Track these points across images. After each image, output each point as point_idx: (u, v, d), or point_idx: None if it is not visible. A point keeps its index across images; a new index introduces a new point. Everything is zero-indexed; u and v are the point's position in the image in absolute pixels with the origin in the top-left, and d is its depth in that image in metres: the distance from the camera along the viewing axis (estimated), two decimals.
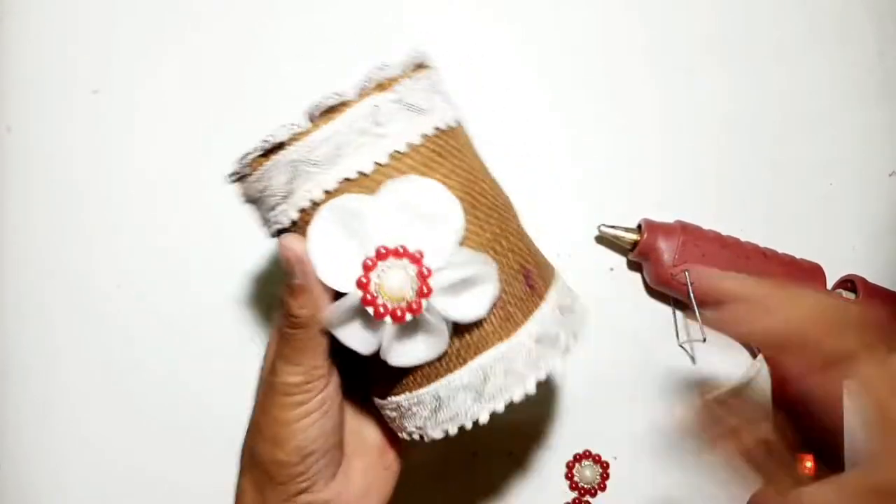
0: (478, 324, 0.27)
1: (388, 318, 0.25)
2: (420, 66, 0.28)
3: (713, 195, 0.47)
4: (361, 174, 0.26)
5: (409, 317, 0.25)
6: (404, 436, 0.30)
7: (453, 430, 0.29)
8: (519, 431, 0.44)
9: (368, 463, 0.32)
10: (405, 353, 0.27)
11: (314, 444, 0.29)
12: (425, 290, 0.25)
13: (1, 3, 0.45)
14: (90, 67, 0.45)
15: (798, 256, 0.43)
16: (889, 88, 0.49)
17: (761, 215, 0.47)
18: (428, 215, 0.26)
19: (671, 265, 0.41)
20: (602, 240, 0.45)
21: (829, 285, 0.43)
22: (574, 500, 0.43)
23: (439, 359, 0.27)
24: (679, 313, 0.44)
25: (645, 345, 0.45)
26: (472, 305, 0.27)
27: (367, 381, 0.31)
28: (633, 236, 0.43)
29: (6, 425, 0.43)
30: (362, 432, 0.33)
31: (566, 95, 0.47)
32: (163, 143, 0.45)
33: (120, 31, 0.45)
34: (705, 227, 0.46)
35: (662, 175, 0.46)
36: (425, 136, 0.27)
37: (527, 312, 0.28)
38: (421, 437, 0.30)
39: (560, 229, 0.45)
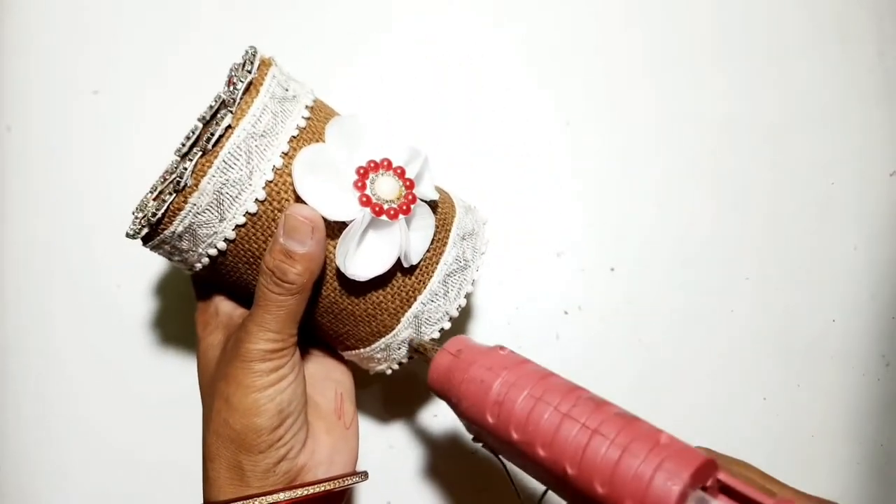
0: (435, 206, 0.33)
1: (401, 216, 0.29)
2: (263, 61, 0.31)
3: (713, 195, 0.47)
4: (300, 129, 0.29)
5: (413, 206, 0.29)
6: (392, 367, 0.34)
7: (447, 325, 0.33)
8: None
9: (328, 425, 0.33)
10: (418, 246, 0.31)
11: (290, 406, 0.30)
12: (408, 184, 0.30)
13: (1, 3, 0.45)
14: (90, 67, 0.45)
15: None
16: (889, 88, 0.49)
17: (761, 215, 0.47)
18: (368, 136, 0.30)
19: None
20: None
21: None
22: None
23: (429, 249, 0.32)
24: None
25: (646, 344, 0.45)
26: (430, 185, 0.32)
27: (339, 342, 0.34)
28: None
29: (6, 425, 0.43)
30: (314, 400, 0.34)
31: (566, 95, 0.47)
32: (163, 144, 0.44)
33: (120, 32, 0.45)
34: (705, 226, 0.45)
35: (662, 175, 0.46)
36: (314, 94, 0.32)
37: (450, 197, 0.35)
38: (416, 349, 0.33)
39: (560, 229, 0.45)
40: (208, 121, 0.29)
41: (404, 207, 0.29)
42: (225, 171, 0.28)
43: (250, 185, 0.28)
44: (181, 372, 0.43)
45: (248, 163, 0.28)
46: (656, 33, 0.48)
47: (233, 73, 0.29)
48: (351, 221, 0.29)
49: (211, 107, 0.29)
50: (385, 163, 0.30)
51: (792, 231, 0.47)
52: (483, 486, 0.44)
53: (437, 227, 0.32)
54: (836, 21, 0.49)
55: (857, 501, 0.45)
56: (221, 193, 0.28)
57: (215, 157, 0.28)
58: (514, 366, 0.28)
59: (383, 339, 0.33)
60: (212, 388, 0.32)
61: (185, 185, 0.28)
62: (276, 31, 0.46)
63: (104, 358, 0.43)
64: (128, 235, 0.30)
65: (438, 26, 0.47)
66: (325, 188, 0.29)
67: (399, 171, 0.30)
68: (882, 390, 0.47)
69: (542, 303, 0.45)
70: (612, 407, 0.26)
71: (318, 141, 0.30)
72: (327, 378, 0.35)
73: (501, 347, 0.30)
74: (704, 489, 0.23)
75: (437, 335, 0.32)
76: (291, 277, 0.28)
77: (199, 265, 0.31)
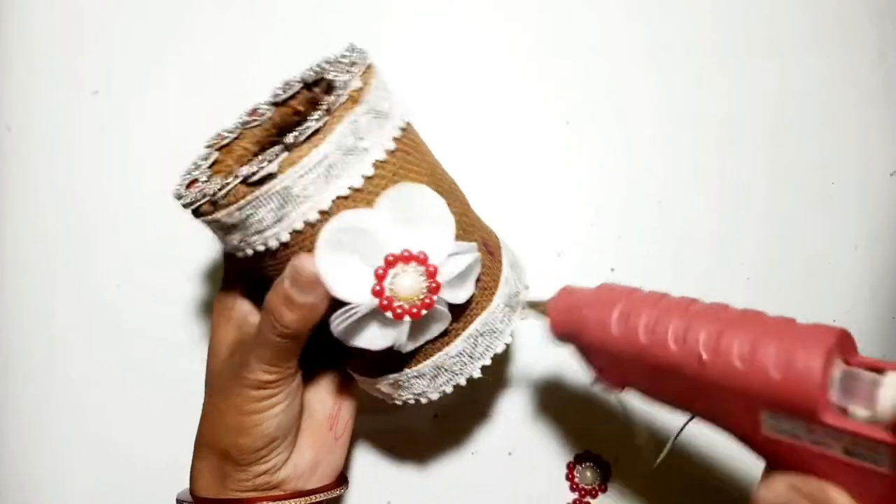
0: (468, 301, 0.30)
1: (406, 318, 0.27)
2: (369, 70, 0.29)
3: (713, 195, 0.47)
4: (353, 189, 0.27)
5: (424, 312, 0.27)
6: (396, 402, 0.33)
7: (449, 390, 0.32)
8: (519, 431, 0.44)
9: (316, 436, 0.34)
10: (417, 340, 0.30)
11: (278, 431, 0.30)
12: (434, 286, 0.27)
13: (1, 3, 0.45)
14: (90, 68, 0.45)
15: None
16: (889, 88, 0.49)
17: (761, 215, 0.47)
18: (422, 217, 0.28)
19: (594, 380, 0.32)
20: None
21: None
22: (575, 500, 0.43)
23: (439, 337, 0.30)
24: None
25: None
26: (467, 288, 0.30)
27: (348, 362, 0.33)
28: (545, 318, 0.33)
29: (6, 425, 0.43)
30: (309, 407, 0.34)
31: (565, 95, 0.47)
32: (163, 144, 0.45)
33: (120, 32, 0.45)
34: (706, 226, 0.46)
35: (662, 174, 0.46)
36: (395, 140, 0.28)
37: (496, 279, 0.32)
38: (417, 401, 0.33)
39: (560, 229, 0.45)
40: (281, 103, 0.31)
41: (415, 311, 0.27)
42: (255, 208, 0.27)
43: (277, 227, 0.27)
44: (181, 372, 0.43)
45: (280, 209, 0.27)
46: (656, 33, 0.48)
47: (330, 68, 0.28)
48: (355, 304, 0.27)
49: (289, 86, 0.29)
50: (421, 255, 0.27)
51: (792, 231, 0.47)
52: (483, 486, 0.44)
53: (459, 322, 0.31)
54: (836, 21, 0.49)
55: None
56: (247, 224, 0.27)
57: (250, 193, 0.26)
58: (630, 290, 0.30)
59: (393, 376, 0.32)
60: (211, 388, 0.32)
61: (217, 201, 0.27)
62: (276, 32, 0.46)
63: (104, 358, 0.43)
64: (179, 200, 0.29)
65: (438, 26, 0.47)
66: (347, 262, 0.27)
67: (431, 270, 0.27)
68: None
69: None
70: (735, 308, 0.27)
71: (370, 204, 0.27)
72: (331, 384, 0.35)
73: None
74: (847, 363, 0.24)
75: (448, 390, 0.32)
76: (287, 322, 0.28)
77: (241, 253, 0.29)
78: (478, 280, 0.31)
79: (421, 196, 0.28)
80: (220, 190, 0.27)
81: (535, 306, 0.33)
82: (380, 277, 0.27)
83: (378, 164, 0.27)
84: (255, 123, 0.33)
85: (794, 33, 0.48)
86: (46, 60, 0.45)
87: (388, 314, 0.27)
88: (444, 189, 0.30)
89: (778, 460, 0.25)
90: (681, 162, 0.47)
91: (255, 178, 0.26)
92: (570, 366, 0.44)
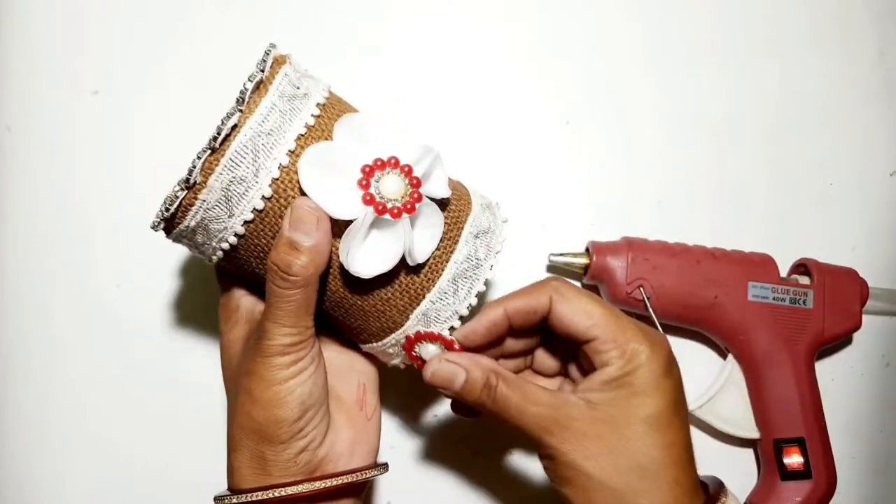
0: (445, 204, 0.33)
1: (404, 215, 0.29)
2: (281, 57, 0.32)
3: (713, 194, 0.47)
4: (308, 127, 0.30)
5: (418, 206, 0.29)
6: (405, 361, 0.34)
7: (474, 301, 0.33)
8: (519, 431, 0.44)
9: (350, 417, 0.34)
10: (424, 245, 0.31)
11: (311, 398, 0.31)
12: (415, 182, 0.30)
13: (1, 3, 0.45)
14: (90, 68, 0.45)
15: (749, 250, 0.44)
16: (889, 88, 0.49)
17: (761, 215, 0.47)
18: (377, 134, 0.31)
19: (625, 283, 0.41)
20: (554, 269, 0.45)
21: (784, 272, 0.44)
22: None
23: (439, 247, 0.32)
24: None
25: None
26: (441, 185, 0.32)
27: (353, 332, 0.34)
28: (583, 261, 0.43)
29: (6, 425, 0.43)
30: (335, 392, 0.34)
31: (565, 94, 0.47)
32: (163, 144, 0.45)
33: (120, 32, 0.45)
34: (708, 226, 0.46)
35: (662, 175, 0.46)
36: (328, 90, 0.32)
37: (465, 191, 0.35)
38: (450, 328, 0.33)
39: (560, 228, 0.45)
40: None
41: (409, 206, 0.29)
42: (232, 168, 0.29)
43: (257, 182, 0.29)
44: (181, 372, 0.43)
45: (255, 161, 0.29)
46: (656, 33, 0.48)
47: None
48: (353, 220, 0.29)
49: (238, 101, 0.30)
50: (392, 161, 0.29)
51: (791, 231, 0.47)
52: (483, 485, 0.44)
53: (447, 225, 0.32)
54: (836, 21, 0.49)
55: (858, 501, 0.45)
56: (229, 190, 0.29)
57: (223, 155, 0.29)
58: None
59: (394, 335, 0.33)
60: (235, 383, 0.32)
61: (195, 182, 0.29)
62: (275, 32, 0.46)
63: (104, 358, 0.43)
64: (151, 227, 0.31)
65: (438, 25, 0.47)
66: (331, 185, 0.29)
67: (406, 169, 0.30)
68: (882, 390, 0.47)
69: None
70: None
71: (327, 139, 0.30)
72: (351, 369, 0.35)
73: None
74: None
75: (446, 333, 0.33)
76: (296, 269, 0.28)
77: (214, 258, 0.32)
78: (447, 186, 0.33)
79: (366, 119, 0.31)
80: (191, 171, 0.29)
81: (573, 260, 0.43)
82: (365, 186, 0.29)
83: (321, 106, 0.31)
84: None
85: (794, 33, 0.48)
86: (46, 60, 0.45)
87: (387, 216, 0.29)
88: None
89: (753, 318, 0.42)
90: (680, 162, 0.47)
91: (221, 136, 0.28)
92: None
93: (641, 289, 0.41)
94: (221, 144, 0.28)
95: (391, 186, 0.29)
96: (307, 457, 0.31)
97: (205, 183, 0.29)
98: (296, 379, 0.30)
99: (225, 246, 0.31)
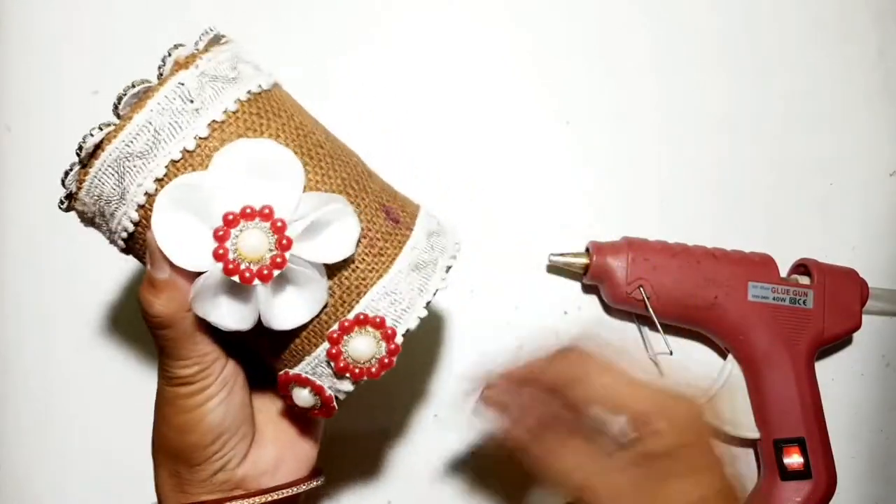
0: (352, 266, 0.28)
1: (256, 281, 0.25)
2: (216, 41, 0.28)
3: (713, 195, 0.47)
4: (186, 152, 0.26)
5: (276, 272, 0.25)
6: (310, 407, 0.30)
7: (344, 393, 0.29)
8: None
9: (279, 431, 0.32)
10: (288, 313, 0.27)
11: (223, 425, 0.29)
12: (284, 242, 0.25)
13: (1, 3, 0.45)
14: (90, 68, 0.45)
15: (749, 250, 0.44)
16: (889, 88, 0.49)
17: (761, 215, 0.47)
18: (266, 171, 0.26)
19: (625, 283, 0.42)
20: (554, 269, 0.45)
21: (784, 272, 0.44)
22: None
23: (324, 311, 0.27)
24: (644, 328, 0.44)
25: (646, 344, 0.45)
26: (337, 245, 0.27)
27: (266, 367, 0.31)
28: (583, 260, 0.43)
29: (6, 425, 0.43)
30: (269, 402, 0.33)
31: (566, 94, 0.47)
32: None
33: (120, 32, 0.45)
34: (708, 226, 0.46)
35: (662, 175, 0.46)
36: (240, 102, 0.27)
37: (397, 245, 0.29)
38: (336, 396, 0.29)
39: (560, 228, 0.45)
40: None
41: (264, 272, 0.25)
42: (98, 186, 0.26)
43: (124, 204, 0.26)
44: None
45: (120, 183, 0.26)
46: (656, 33, 0.48)
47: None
48: (203, 273, 0.25)
49: (113, 111, 0.27)
50: (265, 210, 0.25)
51: (791, 231, 0.47)
52: (483, 485, 0.44)
53: (341, 289, 0.28)
54: (836, 21, 0.49)
55: (858, 501, 0.45)
56: (100, 206, 0.27)
57: (87, 173, 0.26)
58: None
59: (298, 368, 0.29)
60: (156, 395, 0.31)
61: (70, 191, 0.27)
62: (274, 33, 0.46)
63: (103, 358, 0.43)
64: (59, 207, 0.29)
65: (438, 25, 0.47)
66: (185, 228, 0.25)
67: (278, 224, 0.25)
68: (882, 390, 0.47)
69: (542, 303, 0.45)
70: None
71: (207, 167, 0.26)
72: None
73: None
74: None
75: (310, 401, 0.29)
76: (156, 309, 0.26)
77: (119, 248, 0.29)
78: (366, 244, 0.28)
79: (261, 149, 0.26)
80: (65, 177, 0.26)
81: (573, 260, 0.43)
82: (220, 238, 0.25)
83: (215, 126, 0.26)
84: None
85: (795, 33, 0.48)
86: (46, 60, 0.45)
87: (235, 278, 0.24)
88: (316, 153, 0.28)
89: (753, 318, 0.42)
90: (681, 162, 0.47)
91: (84, 153, 0.26)
92: None
93: (641, 289, 0.41)
94: (88, 160, 0.26)
95: (250, 244, 0.25)
96: (224, 476, 0.30)
97: (77, 195, 0.27)
98: (203, 407, 0.28)
99: (120, 245, 0.29)
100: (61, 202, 0.28)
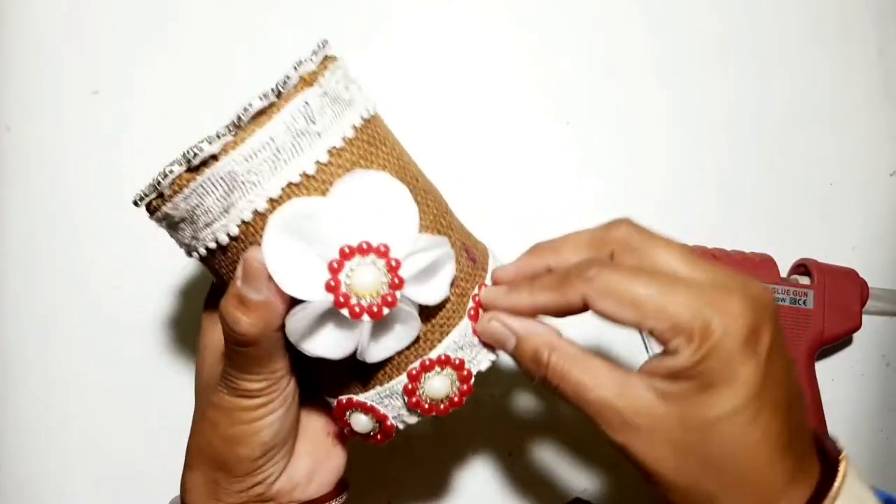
0: (441, 305, 0.28)
1: (365, 317, 0.25)
2: (328, 58, 0.28)
3: (713, 195, 0.47)
4: (305, 176, 0.25)
5: (385, 311, 0.25)
6: (370, 435, 0.31)
7: (413, 421, 0.30)
8: (519, 431, 0.44)
9: (313, 446, 0.32)
10: (382, 347, 0.27)
11: (275, 440, 0.29)
12: (397, 282, 0.25)
13: (1, 3, 0.45)
14: (90, 68, 0.45)
15: (749, 250, 0.44)
16: (889, 88, 0.49)
17: (761, 215, 0.47)
18: (382, 207, 0.26)
19: None
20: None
21: (784, 272, 0.44)
22: (574, 500, 0.43)
23: (408, 348, 0.28)
24: None
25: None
26: (437, 287, 0.27)
27: (321, 382, 0.31)
28: None
29: (6, 425, 0.43)
30: (306, 414, 0.32)
31: (565, 95, 0.47)
32: (162, 144, 0.44)
33: (120, 32, 0.45)
34: (708, 226, 0.46)
35: (663, 174, 0.46)
36: (355, 128, 0.26)
37: (475, 285, 0.29)
38: (397, 426, 0.30)
39: (560, 228, 0.45)
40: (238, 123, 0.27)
41: (374, 309, 0.24)
42: (201, 195, 0.25)
43: (225, 217, 0.25)
44: (180, 373, 0.43)
45: (228, 197, 0.25)
46: (656, 33, 0.48)
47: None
48: (306, 302, 0.25)
49: (233, 123, 0.26)
50: (381, 248, 0.25)
51: (791, 231, 0.47)
52: (483, 486, 0.44)
53: (430, 329, 0.28)
54: (836, 21, 0.49)
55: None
56: (195, 215, 0.26)
57: (194, 179, 0.25)
58: None
59: (363, 395, 0.29)
60: (203, 400, 0.31)
61: (163, 193, 0.26)
62: (274, 33, 0.46)
63: (103, 358, 0.43)
64: (133, 202, 0.28)
65: (438, 25, 0.47)
66: (298, 255, 0.25)
67: (393, 263, 0.25)
68: (882, 390, 0.47)
69: None
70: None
71: (325, 192, 0.25)
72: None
73: None
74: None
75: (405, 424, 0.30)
76: (244, 328, 0.25)
77: (195, 254, 0.28)
78: (454, 284, 0.28)
79: (381, 185, 0.26)
80: (163, 177, 0.25)
81: None
82: (334, 271, 0.24)
83: (334, 152, 0.25)
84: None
85: (795, 33, 0.48)
86: (46, 60, 0.45)
87: (345, 311, 0.24)
88: (415, 187, 0.28)
89: None
90: (681, 162, 0.47)
91: (196, 160, 0.24)
92: None
93: None
94: (198, 167, 0.25)
95: (364, 280, 0.24)
96: (260, 489, 0.30)
97: (171, 198, 0.26)
98: (262, 421, 0.28)
99: (197, 255, 0.28)
100: (140, 198, 0.27)
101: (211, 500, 0.30)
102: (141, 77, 0.45)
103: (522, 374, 0.44)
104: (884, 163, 0.48)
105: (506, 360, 0.45)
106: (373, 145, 0.27)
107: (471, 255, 0.30)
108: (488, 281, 0.30)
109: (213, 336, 0.31)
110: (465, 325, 0.29)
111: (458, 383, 0.28)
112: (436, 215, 0.29)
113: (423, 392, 0.28)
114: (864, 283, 0.44)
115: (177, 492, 0.36)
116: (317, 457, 0.32)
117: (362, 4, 0.46)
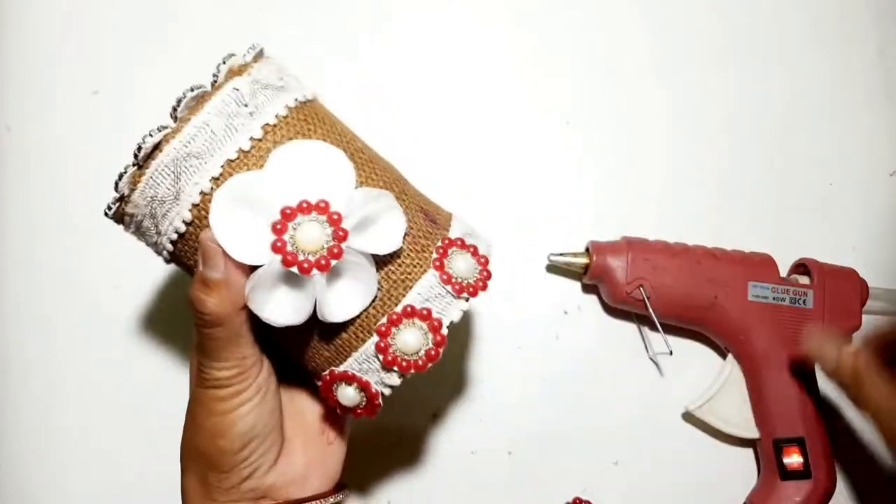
0: (398, 261, 0.29)
1: (315, 271, 0.25)
2: (261, 55, 0.30)
3: (713, 195, 0.47)
4: (242, 152, 0.27)
5: (333, 262, 0.26)
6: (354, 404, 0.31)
7: (395, 383, 0.30)
8: (519, 431, 0.44)
9: (308, 441, 0.32)
10: (342, 304, 0.28)
11: (254, 431, 0.29)
12: (341, 234, 0.26)
13: (1, 3, 0.45)
14: (90, 68, 0.45)
15: (749, 250, 0.44)
16: (889, 88, 0.49)
17: (761, 215, 0.47)
18: (318, 170, 0.27)
19: (624, 283, 0.41)
20: (553, 269, 0.45)
21: (784, 272, 0.44)
22: (574, 500, 0.43)
23: (373, 305, 0.28)
24: (644, 328, 0.45)
25: (645, 344, 0.45)
26: (386, 238, 0.28)
27: (305, 364, 0.31)
28: (583, 260, 0.43)
29: (6, 425, 0.43)
30: (299, 412, 0.33)
31: (565, 95, 0.47)
32: None
33: (120, 32, 0.45)
34: (708, 226, 0.46)
35: (663, 174, 0.46)
36: (289, 108, 0.28)
37: (438, 239, 0.30)
38: (382, 392, 0.30)
39: (559, 228, 0.45)
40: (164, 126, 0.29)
41: (322, 262, 0.25)
42: (153, 187, 0.27)
43: (177, 204, 0.27)
44: (180, 373, 0.43)
45: (176, 183, 0.27)
46: (657, 33, 0.48)
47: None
48: (260, 265, 0.26)
49: (170, 114, 0.28)
50: (320, 204, 0.26)
51: (791, 231, 0.47)
52: (483, 486, 0.44)
53: (389, 282, 0.29)
54: (836, 21, 0.49)
55: (858, 501, 0.45)
56: (153, 208, 0.28)
57: (143, 173, 0.27)
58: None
59: (346, 363, 0.30)
60: (189, 396, 0.31)
61: (122, 194, 0.28)
62: (274, 33, 0.46)
63: (103, 358, 0.43)
64: (104, 214, 0.30)
65: (438, 25, 0.47)
66: (243, 223, 0.26)
67: (335, 217, 0.26)
68: None
69: (542, 303, 0.45)
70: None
71: (262, 166, 0.27)
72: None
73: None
74: None
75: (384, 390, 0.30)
76: (209, 308, 0.26)
77: (165, 253, 0.30)
78: (411, 238, 0.29)
79: (316, 150, 0.27)
80: (119, 179, 0.27)
81: (573, 259, 0.42)
82: (278, 232, 0.25)
83: (268, 129, 0.27)
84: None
85: (795, 33, 0.48)
86: (46, 60, 0.45)
87: (294, 269, 0.25)
88: (361, 157, 0.30)
89: (753, 318, 0.42)
90: (681, 162, 0.47)
91: (142, 153, 0.26)
92: (571, 365, 0.44)
93: (641, 288, 0.41)
94: (144, 161, 0.27)
95: (308, 236, 0.25)
96: (252, 484, 0.30)
97: (129, 198, 0.28)
98: (237, 411, 0.28)
99: (164, 255, 0.29)
100: (109, 207, 0.29)
101: (206, 501, 0.30)
102: (141, 77, 0.45)
103: (522, 375, 0.44)
104: (884, 163, 0.48)
105: (505, 361, 0.45)
106: (309, 123, 0.29)
107: (429, 216, 0.31)
108: (452, 236, 0.31)
109: None
110: (429, 277, 0.29)
111: (430, 334, 0.29)
112: (386, 182, 0.30)
113: (396, 347, 0.28)
114: (864, 283, 0.44)
115: (176, 491, 0.36)
116: (312, 455, 0.32)
117: (362, 4, 0.46)
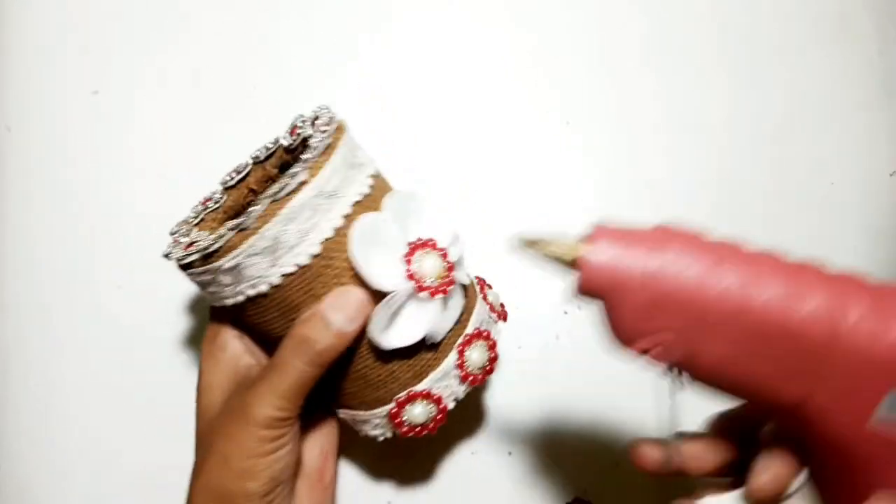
0: (467, 286, 0.35)
1: (439, 296, 0.30)
2: (339, 126, 0.32)
3: (713, 195, 0.47)
4: (363, 195, 0.31)
5: (450, 289, 0.31)
6: (387, 432, 0.35)
7: (451, 405, 0.34)
8: (519, 431, 0.44)
9: (311, 484, 0.34)
10: (443, 325, 0.32)
11: (283, 475, 0.30)
12: (450, 265, 0.31)
13: (1, 3, 0.45)
14: (90, 68, 0.45)
15: (798, 257, 0.41)
16: (889, 88, 0.49)
17: (761, 215, 0.47)
18: (419, 213, 0.32)
19: (633, 329, 0.27)
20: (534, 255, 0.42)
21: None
22: (574, 500, 0.43)
23: (454, 325, 0.33)
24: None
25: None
26: (465, 270, 0.34)
27: (351, 402, 0.34)
28: (568, 255, 0.30)
29: (6, 425, 0.43)
30: (302, 456, 0.34)
31: (565, 95, 0.47)
32: (162, 144, 0.45)
33: (120, 32, 0.45)
34: (708, 226, 0.46)
35: (662, 175, 0.46)
36: (375, 165, 0.33)
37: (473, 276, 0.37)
38: (448, 405, 0.34)
39: (559, 228, 0.45)
40: (262, 161, 0.34)
41: (443, 288, 0.31)
42: (288, 221, 0.29)
43: (308, 238, 0.29)
44: (181, 373, 0.43)
45: (311, 218, 0.29)
46: (657, 33, 0.48)
47: (298, 125, 0.33)
48: (392, 292, 0.30)
49: (268, 148, 0.33)
50: (432, 242, 0.31)
51: (791, 231, 0.47)
52: (483, 486, 0.44)
53: (462, 310, 0.33)
54: (836, 21, 0.49)
55: None
56: (279, 241, 0.29)
57: (282, 207, 0.28)
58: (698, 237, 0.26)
59: (387, 407, 0.33)
60: (208, 439, 0.31)
61: (248, 227, 0.28)
62: (275, 33, 0.46)
63: (104, 358, 0.43)
64: (168, 257, 0.31)
65: (438, 25, 0.47)
66: (376, 256, 0.30)
67: (443, 252, 0.31)
68: None
69: (542, 303, 0.45)
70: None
71: (375, 210, 0.31)
72: (315, 433, 0.35)
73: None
74: None
75: (449, 405, 0.34)
76: (322, 348, 0.28)
77: (230, 301, 0.31)
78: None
79: (412, 198, 0.32)
80: (213, 243, 0.29)
81: (559, 250, 0.28)
82: (409, 262, 0.30)
83: (372, 179, 0.32)
84: (210, 209, 0.35)
85: (795, 33, 0.49)
86: (46, 60, 0.45)
87: (424, 294, 0.30)
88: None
89: (868, 462, 0.22)
90: (680, 162, 0.47)
91: (282, 192, 0.28)
92: (571, 366, 0.44)
93: (672, 369, 0.25)
94: (285, 196, 0.29)
95: (431, 266, 0.30)
96: None
97: (257, 230, 0.28)
98: (275, 454, 0.29)
99: (252, 293, 0.30)
100: (181, 258, 0.30)
101: None
102: (141, 77, 0.45)
103: (522, 375, 0.44)
104: (884, 163, 0.48)
105: (505, 361, 0.45)
106: (383, 177, 0.34)
107: None
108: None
109: (216, 376, 0.32)
110: (481, 303, 0.35)
111: (488, 352, 0.34)
112: None
113: (469, 363, 0.33)
114: None
115: (179, 494, 0.36)
116: (315, 495, 0.34)
117: (362, 4, 0.46)
